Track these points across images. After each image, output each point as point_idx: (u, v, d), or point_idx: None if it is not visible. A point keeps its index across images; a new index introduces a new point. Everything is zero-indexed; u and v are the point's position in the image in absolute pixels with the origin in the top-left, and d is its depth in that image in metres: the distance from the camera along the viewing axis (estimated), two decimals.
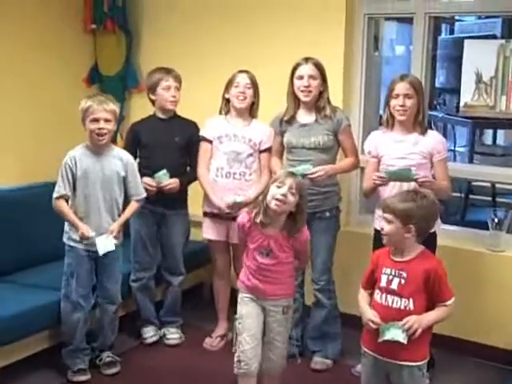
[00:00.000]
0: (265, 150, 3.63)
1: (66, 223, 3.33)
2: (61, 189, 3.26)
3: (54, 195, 3.27)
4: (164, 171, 3.58)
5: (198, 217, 3.85)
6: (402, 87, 3.20)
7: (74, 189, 3.26)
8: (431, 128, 4.50)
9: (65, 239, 3.34)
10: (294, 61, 3.45)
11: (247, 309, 2.92)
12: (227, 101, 3.64)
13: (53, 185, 3.30)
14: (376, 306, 2.61)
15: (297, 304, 3.61)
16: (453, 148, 6.18)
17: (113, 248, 3.29)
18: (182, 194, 3.75)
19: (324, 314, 3.55)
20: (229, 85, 3.59)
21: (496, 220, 3.68)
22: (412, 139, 3.25)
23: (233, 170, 3.56)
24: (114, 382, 3.40)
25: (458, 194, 5.46)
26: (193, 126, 3.76)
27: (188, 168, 3.77)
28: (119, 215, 3.37)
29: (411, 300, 2.52)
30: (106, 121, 3.23)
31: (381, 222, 2.62)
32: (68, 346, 3.35)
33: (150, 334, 3.81)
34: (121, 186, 3.36)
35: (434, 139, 3.28)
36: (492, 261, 3.62)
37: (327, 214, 3.48)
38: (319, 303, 3.56)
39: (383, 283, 2.58)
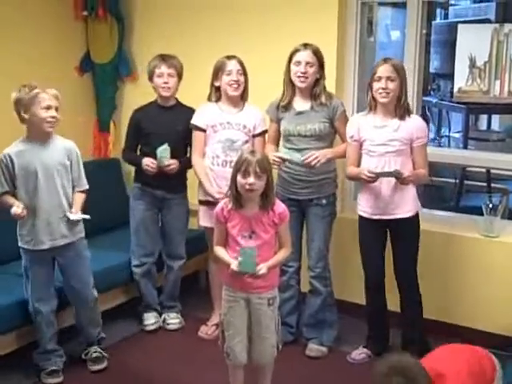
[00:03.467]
0: (259, 134, 3.62)
1: (18, 227, 3.18)
2: None
3: None
4: (165, 146, 3.56)
5: (192, 205, 3.84)
6: (384, 70, 3.20)
7: (15, 186, 3.13)
8: (425, 113, 4.46)
9: (19, 243, 3.21)
10: (287, 47, 3.42)
11: (231, 306, 2.91)
12: (217, 88, 3.61)
13: None
14: None
15: (293, 291, 3.62)
16: (447, 134, 6.17)
17: (85, 217, 3.19)
18: (181, 178, 3.77)
19: (320, 301, 3.54)
20: (219, 72, 3.55)
21: (490, 205, 3.67)
22: (394, 125, 3.24)
23: (229, 159, 3.53)
24: (115, 365, 3.39)
25: (453, 180, 5.46)
26: (192, 114, 3.73)
27: (188, 155, 3.78)
28: (70, 206, 3.21)
29: None
30: (56, 109, 3.12)
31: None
32: (38, 348, 3.28)
33: (151, 321, 3.83)
34: (67, 176, 3.21)
35: (415, 124, 3.27)
36: (486, 246, 3.62)
37: (324, 201, 3.47)
38: (315, 290, 3.55)
39: None
